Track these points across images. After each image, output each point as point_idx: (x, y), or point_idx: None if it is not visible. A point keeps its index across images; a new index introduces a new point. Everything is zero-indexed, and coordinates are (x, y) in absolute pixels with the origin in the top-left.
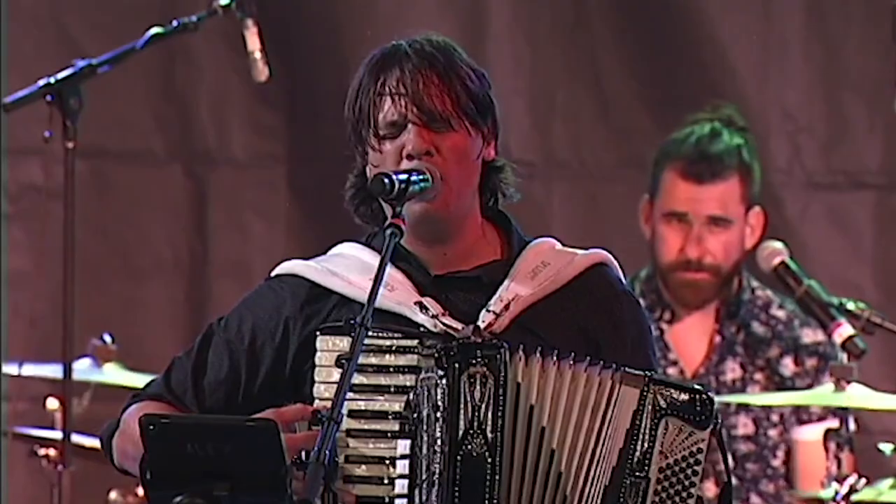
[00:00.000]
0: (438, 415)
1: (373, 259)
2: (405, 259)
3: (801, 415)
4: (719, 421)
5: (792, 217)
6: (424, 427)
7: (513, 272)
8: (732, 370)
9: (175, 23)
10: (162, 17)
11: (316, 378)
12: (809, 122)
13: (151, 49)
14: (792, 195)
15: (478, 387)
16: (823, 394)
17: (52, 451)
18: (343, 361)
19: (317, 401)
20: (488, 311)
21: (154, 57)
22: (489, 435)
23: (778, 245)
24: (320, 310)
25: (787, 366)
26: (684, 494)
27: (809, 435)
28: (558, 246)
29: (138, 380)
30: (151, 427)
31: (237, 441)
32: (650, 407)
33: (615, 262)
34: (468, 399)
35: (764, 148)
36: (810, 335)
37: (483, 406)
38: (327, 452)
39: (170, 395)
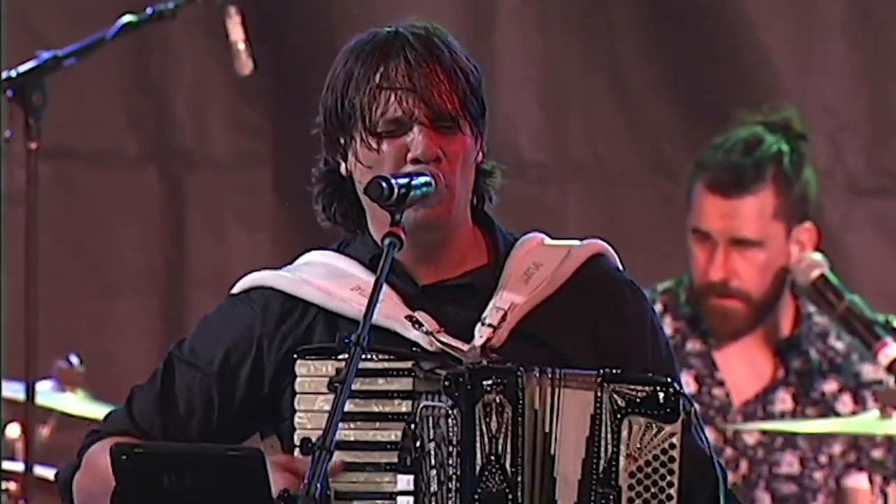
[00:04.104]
0: (451, 449)
1: (350, 266)
2: (391, 270)
3: (851, 458)
4: (691, 406)
5: (832, 225)
6: (431, 461)
7: (503, 278)
8: (783, 401)
9: (150, 10)
10: (135, 5)
11: (297, 407)
12: (852, 118)
13: (124, 39)
14: (832, 201)
15: (494, 417)
16: (868, 421)
17: (12, 485)
18: (335, 385)
19: (297, 431)
20: (484, 324)
21: (126, 48)
22: (509, 470)
23: (817, 257)
24: (297, 324)
25: (846, 404)
26: (663, 497)
27: (864, 482)
28: (547, 240)
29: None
30: (124, 457)
31: (218, 472)
32: (608, 408)
33: (611, 250)
34: (483, 431)
35: None
36: (871, 371)
37: (501, 438)
38: (318, 485)
39: (136, 429)
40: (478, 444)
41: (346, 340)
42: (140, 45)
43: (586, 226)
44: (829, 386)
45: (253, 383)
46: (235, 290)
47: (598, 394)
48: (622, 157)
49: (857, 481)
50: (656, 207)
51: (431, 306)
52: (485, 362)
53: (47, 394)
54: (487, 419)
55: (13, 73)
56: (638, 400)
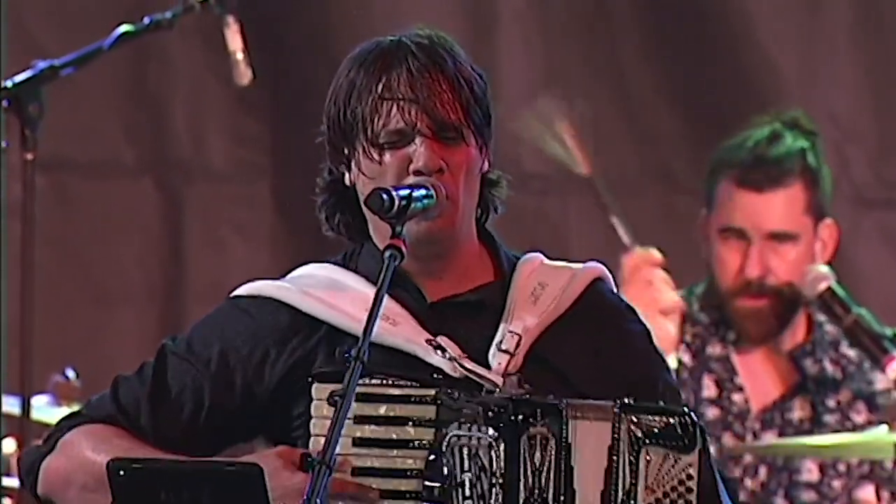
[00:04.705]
0: (493, 480)
1: (353, 281)
2: (398, 284)
3: (866, 469)
4: (707, 437)
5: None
6: (465, 492)
7: (511, 297)
8: (801, 408)
9: (147, 20)
10: (132, 14)
11: (312, 431)
12: (858, 129)
13: (121, 49)
14: (839, 212)
15: (538, 450)
16: (876, 436)
17: (8, 501)
18: (336, 399)
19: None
20: (501, 349)
21: (124, 58)
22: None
23: (823, 269)
24: (306, 340)
25: (861, 412)
26: None
27: (871, 495)
28: (546, 261)
29: None
30: (121, 472)
31: (216, 488)
32: (626, 439)
33: (608, 273)
34: (527, 463)
35: None
36: (884, 381)
37: (544, 471)
38: (318, 501)
39: (123, 416)
40: (521, 478)
41: (347, 354)
42: (137, 55)
43: (588, 238)
44: (844, 394)
45: (249, 390)
46: (239, 293)
47: (616, 424)
48: (624, 166)
49: (867, 493)
50: (659, 218)
51: (444, 324)
52: (524, 392)
53: (43, 409)
54: (532, 452)
55: (9, 84)
56: (656, 430)
